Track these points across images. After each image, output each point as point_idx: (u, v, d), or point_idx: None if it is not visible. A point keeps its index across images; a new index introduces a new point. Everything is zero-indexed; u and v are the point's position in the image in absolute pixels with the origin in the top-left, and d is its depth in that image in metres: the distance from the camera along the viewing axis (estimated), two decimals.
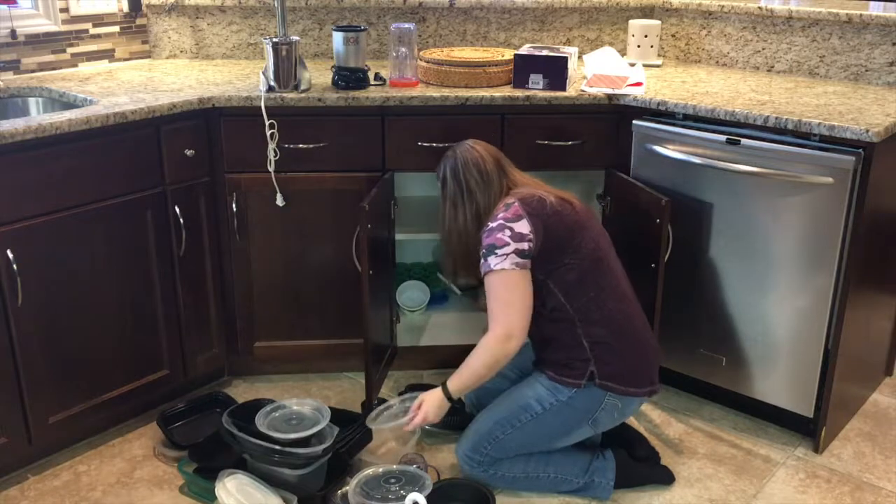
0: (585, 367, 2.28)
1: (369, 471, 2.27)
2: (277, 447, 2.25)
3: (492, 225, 2.28)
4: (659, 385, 2.38)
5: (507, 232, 2.25)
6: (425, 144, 2.70)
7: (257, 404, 2.44)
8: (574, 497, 2.41)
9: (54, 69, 2.92)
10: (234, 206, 2.70)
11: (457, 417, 2.66)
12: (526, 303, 2.27)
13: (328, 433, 2.34)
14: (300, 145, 2.66)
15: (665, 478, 2.46)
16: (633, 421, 2.70)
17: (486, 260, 2.27)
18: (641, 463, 2.47)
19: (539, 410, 2.32)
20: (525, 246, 2.24)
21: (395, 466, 2.30)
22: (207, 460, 2.44)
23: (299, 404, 2.43)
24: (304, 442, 2.30)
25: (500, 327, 2.27)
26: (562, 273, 2.28)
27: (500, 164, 2.39)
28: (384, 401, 2.74)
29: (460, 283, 2.53)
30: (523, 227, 2.25)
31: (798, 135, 2.39)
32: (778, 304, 2.52)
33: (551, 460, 2.40)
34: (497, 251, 2.25)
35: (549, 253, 2.27)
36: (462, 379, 2.33)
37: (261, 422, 2.33)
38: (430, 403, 2.35)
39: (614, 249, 2.42)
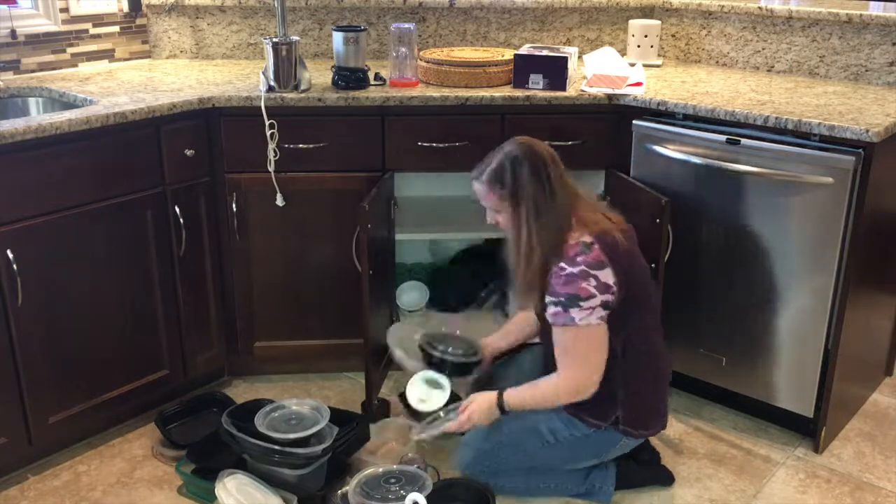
0: (612, 413, 2.22)
1: (369, 471, 2.27)
2: (277, 447, 2.25)
3: (572, 270, 2.05)
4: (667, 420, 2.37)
5: (593, 282, 2.05)
6: (425, 144, 2.70)
7: (257, 404, 2.44)
8: (575, 500, 2.41)
9: (54, 69, 2.92)
10: (234, 206, 2.70)
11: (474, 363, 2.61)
12: (602, 359, 2.13)
13: (328, 433, 2.34)
14: (300, 145, 2.66)
15: (665, 478, 2.46)
16: None
17: (566, 311, 2.07)
18: (642, 465, 2.46)
19: (551, 441, 2.28)
20: (610, 299, 2.08)
21: (395, 466, 2.30)
22: (206, 460, 2.44)
23: (299, 404, 2.43)
24: (303, 442, 2.30)
25: (572, 381, 2.15)
26: (628, 322, 2.15)
27: (561, 169, 2.14)
28: (385, 401, 2.74)
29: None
30: (608, 276, 2.06)
31: (798, 135, 2.39)
32: (778, 304, 2.52)
33: (552, 472, 2.38)
34: (582, 304, 2.05)
35: (625, 303, 2.11)
36: (522, 402, 2.23)
37: (260, 422, 2.32)
38: (481, 407, 2.25)
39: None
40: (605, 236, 2.09)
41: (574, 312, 2.07)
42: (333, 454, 2.36)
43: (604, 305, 2.07)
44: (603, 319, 2.09)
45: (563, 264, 2.07)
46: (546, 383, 2.21)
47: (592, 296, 2.05)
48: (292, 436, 2.28)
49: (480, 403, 2.26)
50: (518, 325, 2.53)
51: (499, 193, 2.13)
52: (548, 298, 2.12)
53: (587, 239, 2.08)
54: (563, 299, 2.07)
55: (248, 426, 2.32)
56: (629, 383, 2.22)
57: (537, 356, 2.55)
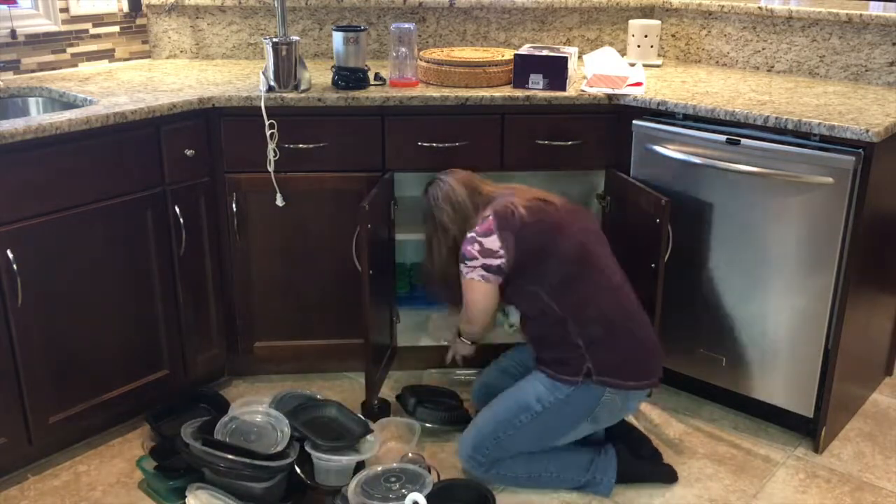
0: (581, 363, 2.29)
1: (369, 470, 2.27)
2: (248, 461, 2.22)
3: (468, 235, 2.40)
4: (659, 378, 2.38)
5: (477, 246, 2.35)
6: (425, 144, 2.70)
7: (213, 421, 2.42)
8: (574, 495, 2.40)
9: (54, 69, 2.92)
10: (234, 206, 2.70)
11: (455, 413, 2.68)
12: (485, 311, 2.48)
13: (280, 439, 2.35)
14: (300, 145, 2.66)
15: (668, 477, 2.46)
16: (633, 421, 2.70)
17: (461, 266, 2.42)
18: (643, 460, 2.47)
19: (539, 409, 2.33)
20: (494, 262, 2.35)
21: (395, 465, 2.30)
22: (168, 459, 2.43)
23: (250, 414, 2.43)
24: (272, 455, 2.28)
25: (464, 314, 2.55)
26: (543, 277, 2.32)
27: (473, 187, 2.49)
28: (385, 401, 2.74)
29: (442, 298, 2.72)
30: (493, 243, 2.34)
31: (798, 135, 2.39)
32: (778, 304, 2.52)
33: (553, 459, 2.40)
34: (467, 262, 2.38)
35: (526, 263, 2.34)
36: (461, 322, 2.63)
37: (221, 436, 2.32)
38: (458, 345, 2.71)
39: (607, 245, 2.45)
40: (503, 209, 2.37)
41: (461, 267, 2.42)
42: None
43: (484, 267, 2.36)
44: (483, 278, 2.38)
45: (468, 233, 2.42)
46: (461, 316, 2.59)
47: (475, 257, 2.36)
48: (272, 451, 2.28)
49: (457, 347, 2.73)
50: None
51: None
52: None
53: (486, 213, 2.40)
54: (460, 258, 2.42)
55: (213, 440, 2.31)
56: (586, 337, 2.30)
57: (520, 355, 2.64)
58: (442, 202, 2.48)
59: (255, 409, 2.46)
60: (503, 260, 2.34)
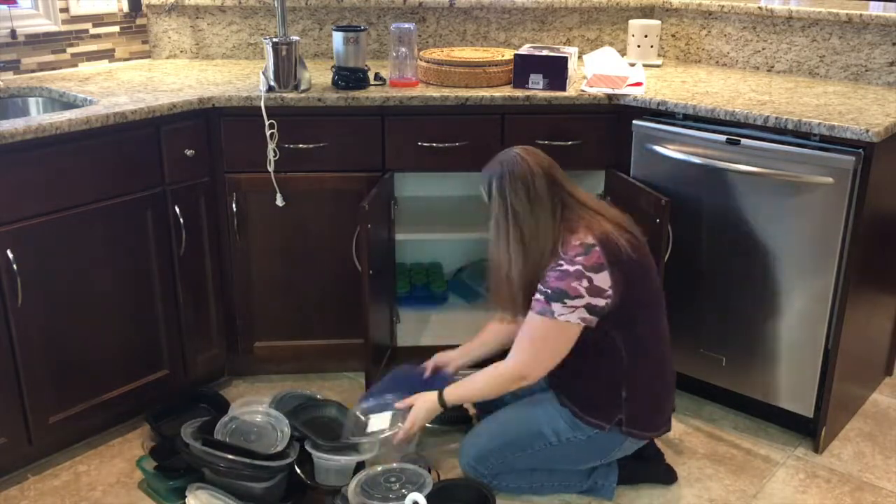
0: (615, 413, 2.22)
1: (369, 470, 2.27)
2: (248, 461, 2.22)
3: (568, 268, 2.07)
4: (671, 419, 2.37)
5: (585, 283, 2.05)
6: (425, 144, 2.70)
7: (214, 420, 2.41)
8: (574, 495, 2.40)
9: (54, 69, 2.92)
10: (234, 206, 2.70)
11: (455, 413, 2.67)
12: (560, 358, 2.16)
13: (280, 439, 2.34)
14: (300, 145, 2.66)
15: (667, 477, 2.46)
16: None
17: (549, 303, 2.08)
18: (644, 462, 2.46)
19: (554, 442, 2.28)
20: (600, 303, 2.08)
21: (395, 465, 2.30)
22: (168, 459, 2.43)
23: (250, 414, 2.42)
24: (272, 455, 2.28)
25: (520, 368, 2.18)
26: (634, 326, 2.17)
27: (554, 180, 2.15)
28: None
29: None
30: (604, 281, 2.06)
31: (798, 135, 2.39)
32: (778, 304, 2.52)
33: (555, 472, 2.38)
34: (567, 301, 2.06)
35: (623, 307, 2.11)
36: (463, 393, 2.31)
37: (221, 436, 2.32)
38: (421, 409, 2.29)
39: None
40: (608, 240, 2.09)
41: (555, 306, 2.08)
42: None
43: (588, 308, 2.08)
44: (583, 321, 2.09)
45: (561, 261, 2.09)
46: (490, 369, 2.25)
47: (580, 296, 2.06)
48: (272, 451, 2.28)
49: (420, 405, 2.30)
50: (483, 339, 2.52)
51: (485, 198, 2.22)
52: (539, 288, 2.13)
53: (589, 241, 2.09)
54: (549, 292, 2.09)
55: (213, 440, 2.31)
56: (633, 385, 2.22)
57: None
58: (518, 181, 2.10)
59: (255, 409, 2.46)
60: (608, 301, 2.07)
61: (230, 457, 2.23)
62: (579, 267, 2.06)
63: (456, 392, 2.30)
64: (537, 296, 2.12)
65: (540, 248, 2.13)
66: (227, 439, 2.33)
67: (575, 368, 2.21)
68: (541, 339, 2.14)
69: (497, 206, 2.15)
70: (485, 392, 2.28)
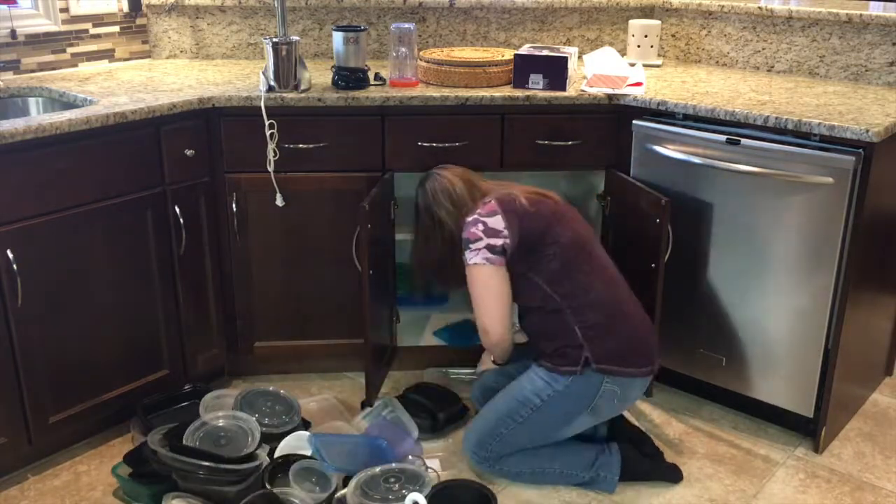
0: (579, 353, 2.29)
1: (368, 470, 2.26)
2: (223, 466, 2.22)
3: (468, 219, 2.38)
4: (657, 365, 2.39)
5: (481, 226, 2.34)
6: (425, 144, 2.70)
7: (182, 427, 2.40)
8: (574, 494, 2.40)
9: (54, 69, 2.92)
10: (234, 206, 2.70)
11: (455, 409, 2.68)
12: (498, 300, 2.38)
13: (251, 441, 2.34)
14: (300, 145, 2.66)
15: (672, 475, 2.47)
16: (634, 420, 2.69)
17: (465, 254, 2.38)
18: (648, 458, 2.47)
19: (538, 403, 2.33)
20: (498, 242, 2.33)
21: (394, 465, 2.30)
22: (143, 465, 2.39)
23: (222, 419, 2.41)
24: (244, 458, 2.28)
25: (478, 322, 2.44)
26: (543, 263, 2.33)
27: (471, 183, 2.48)
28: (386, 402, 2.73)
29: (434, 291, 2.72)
30: (497, 222, 2.33)
31: (798, 135, 2.39)
32: (778, 304, 2.52)
33: (557, 455, 2.41)
34: (471, 246, 2.36)
35: (527, 246, 2.33)
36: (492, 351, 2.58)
37: (191, 441, 2.31)
38: (486, 359, 2.68)
39: (598, 240, 2.51)
40: (504, 195, 2.38)
41: (467, 254, 2.37)
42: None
43: (490, 248, 2.33)
44: (490, 261, 2.33)
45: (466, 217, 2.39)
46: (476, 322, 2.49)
47: (479, 238, 2.34)
48: (243, 453, 2.28)
49: (485, 357, 2.70)
50: None
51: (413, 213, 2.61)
52: None
53: (486, 199, 2.39)
54: (461, 243, 2.39)
55: (182, 446, 2.29)
56: (584, 323, 2.30)
57: (519, 355, 2.61)
58: (441, 196, 2.46)
59: (225, 413, 2.43)
60: (507, 240, 2.32)
61: (199, 462, 2.21)
62: (475, 216, 2.36)
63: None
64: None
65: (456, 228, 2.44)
66: (198, 444, 2.31)
67: (534, 329, 2.43)
68: (472, 290, 2.41)
69: (426, 221, 2.51)
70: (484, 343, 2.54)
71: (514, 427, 2.36)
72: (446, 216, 2.44)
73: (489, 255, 2.34)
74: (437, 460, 2.53)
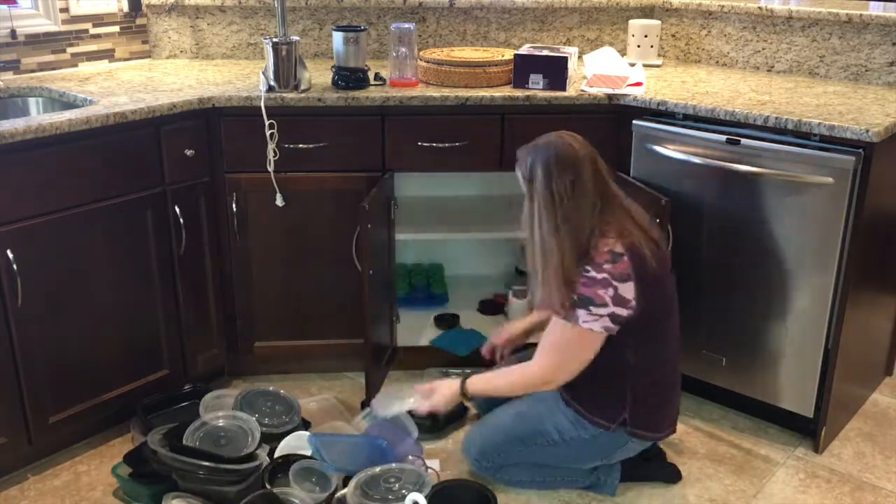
0: (620, 413, 2.21)
1: (368, 471, 2.26)
2: (223, 466, 2.21)
3: (595, 275, 2.04)
4: (677, 424, 2.36)
5: (611, 291, 2.04)
6: (425, 144, 2.70)
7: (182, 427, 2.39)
8: (574, 495, 2.40)
9: (54, 69, 2.92)
10: (234, 206, 2.70)
11: (454, 408, 2.67)
12: (584, 364, 2.14)
13: (250, 441, 2.34)
14: (300, 145, 2.66)
15: (671, 476, 2.47)
16: None
17: (574, 310, 2.07)
18: (646, 460, 2.46)
19: (556, 440, 2.28)
20: (624, 313, 2.07)
21: (394, 465, 2.29)
22: (142, 465, 2.39)
23: (222, 419, 2.41)
24: (244, 458, 2.28)
25: (544, 373, 2.19)
26: (643, 330, 2.15)
27: (598, 170, 2.09)
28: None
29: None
30: (628, 291, 2.05)
31: (798, 135, 2.39)
32: (778, 304, 2.52)
33: (558, 468, 2.39)
34: (592, 308, 2.06)
35: (641, 317, 2.10)
36: (485, 388, 2.32)
37: (191, 441, 2.30)
38: (443, 395, 2.33)
39: (674, 286, 2.25)
40: (636, 251, 2.06)
41: (580, 312, 2.06)
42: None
43: (612, 317, 2.06)
44: (606, 330, 2.08)
45: (588, 267, 2.06)
46: (518, 368, 2.27)
47: (605, 304, 2.04)
48: (243, 453, 2.28)
49: (443, 392, 2.34)
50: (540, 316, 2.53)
51: (520, 181, 2.14)
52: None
53: (618, 249, 2.05)
54: (575, 297, 2.06)
55: (182, 446, 2.29)
56: (639, 387, 2.21)
57: (525, 359, 2.56)
58: (566, 168, 2.02)
59: (225, 413, 2.43)
60: (632, 312, 2.06)
61: (199, 462, 2.20)
62: (606, 275, 2.03)
63: (478, 385, 2.31)
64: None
65: (573, 242, 2.05)
66: (198, 444, 2.31)
67: (582, 373, 2.20)
68: (565, 345, 2.14)
69: (540, 189, 2.04)
70: (507, 392, 2.30)
71: (524, 450, 2.31)
72: (564, 193, 2.01)
73: (609, 325, 2.06)
74: (437, 460, 2.53)
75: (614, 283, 2.04)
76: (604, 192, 2.09)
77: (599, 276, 2.04)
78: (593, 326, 2.07)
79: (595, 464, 2.36)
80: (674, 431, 2.36)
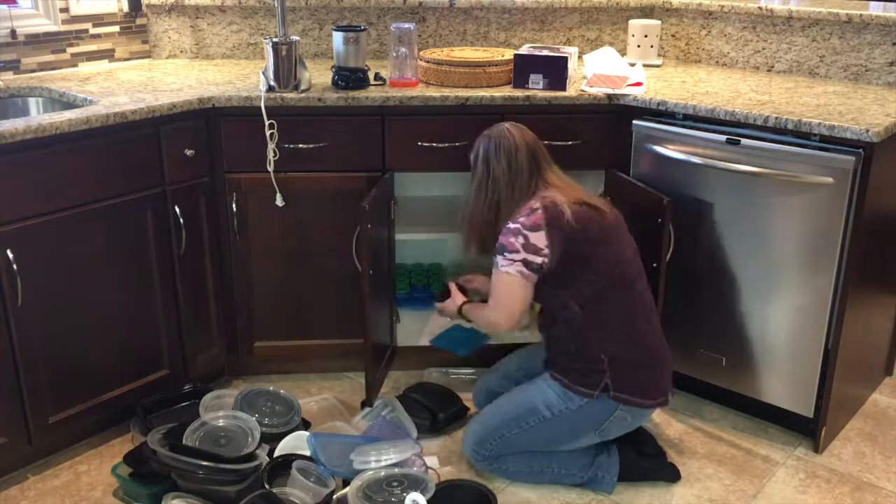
0: (600, 378, 2.27)
1: (371, 474, 2.26)
2: (223, 466, 2.21)
3: (510, 225, 2.28)
4: (671, 394, 2.38)
5: (521, 239, 2.26)
6: (425, 144, 2.70)
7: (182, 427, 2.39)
8: (574, 495, 2.41)
9: (54, 69, 2.92)
10: (234, 206, 2.70)
11: (455, 409, 2.69)
12: (517, 307, 2.33)
13: (250, 441, 2.34)
14: (300, 145, 2.66)
15: (671, 475, 2.47)
16: None
17: (495, 256, 2.32)
18: (646, 458, 2.47)
19: (547, 415, 2.32)
20: (537, 260, 2.26)
21: (396, 469, 2.29)
22: (142, 465, 2.38)
23: (222, 419, 2.41)
24: (244, 458, 2.28)
25: (491, 314, 2.40)
26: (577, 286, 2.28)
27: (535, 157, 2.35)
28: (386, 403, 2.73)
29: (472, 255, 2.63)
30: (539, 239, 2.25)
31: (798, 135, 2.39)
32: (778, 304, 2.52)
33: (556, 456, 2.41)
34: (506, 254, 2.28)
35: (564, 268, 2.26)
36: (474, 314, 2.53)
37: (191, 442, 2.30)
38: (448, 307, 2.62)
39: (638, 257, 2.37)
40: (553, 206, 2.26)
41: (498, 258, 2.31)
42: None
43: (526, 263, 2.26)
44: (521, 274, 2.27)
45: (510, 221, 2.30)
46: (482, 308, 2.48)
47: (516, 251, 2.26)
48: (242, 453, 2.28)
49: (449, 306, 2.62)
50: None
51: (471, 162, 2.46)
52: None
53: (535, 204, 2.28)
54: (497, 247, 2.32)
55: (182, 446, 2.28)
56: (608, 349, 2.28)
57: (524, 359, 2.63)
58: (502, 152, 2.33)
59: (225, 413, 2.43)
60: (545, 259, 2.25)
61: (198, 462, 2.20)
62: (518, 225, 2.27)
63: (470, 310, 2.56)
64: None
65: (508, 211, 2.34)
66: (198, 444, 2.31)
67: (559, 342, 2.36)
68: (494, 288, 2.36)
69: (481, 170, 2.37)
70: (481, 323, 2.54)
71: (518, 432, 2.36)
72: (500, 174, 2.33)
73: (523, 270, 2.27)
74: (437, 459, 2.53)
75: (524, 231, 2.25)
76: (542, 174, 2.36)
77: (513, 226, 2.28)
78: (509, 269, 2.28)
79: (590, 440, 2.37)
80: (666, 403, 2.37)
